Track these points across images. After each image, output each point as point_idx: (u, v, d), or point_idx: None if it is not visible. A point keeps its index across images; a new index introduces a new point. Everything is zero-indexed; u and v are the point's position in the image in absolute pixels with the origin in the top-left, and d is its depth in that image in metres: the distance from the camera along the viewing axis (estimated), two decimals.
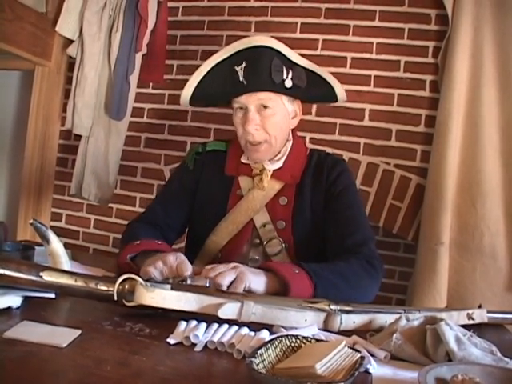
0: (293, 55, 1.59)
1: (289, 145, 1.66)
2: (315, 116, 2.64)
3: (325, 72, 1.64)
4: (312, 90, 1.62)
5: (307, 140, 2.63)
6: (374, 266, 1.46)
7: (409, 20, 2.57)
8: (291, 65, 1.57)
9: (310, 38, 2.69)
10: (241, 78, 1.52)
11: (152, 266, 1.24)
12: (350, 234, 1.54)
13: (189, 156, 1.75)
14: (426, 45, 2.55)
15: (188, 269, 1.23)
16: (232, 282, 1.18)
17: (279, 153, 1.64)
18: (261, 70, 1.51)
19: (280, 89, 1.55)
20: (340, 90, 1.65)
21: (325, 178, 1.64)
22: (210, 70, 1.60)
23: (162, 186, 1.89)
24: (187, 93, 1.62)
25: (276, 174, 1.63)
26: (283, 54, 1.56)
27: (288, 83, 1.55)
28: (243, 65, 1.52)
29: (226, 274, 1.19)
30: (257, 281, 1.22)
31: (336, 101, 1.68)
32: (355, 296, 1.32)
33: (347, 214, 1.59)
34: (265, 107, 1.54)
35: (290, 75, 1.55)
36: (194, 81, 1.61)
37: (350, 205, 1.62)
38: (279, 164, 1.64)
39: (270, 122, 1.55)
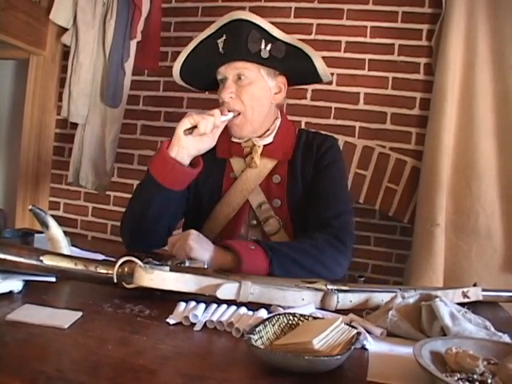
0: (273, 30, 1.59)
1: (278, 122, 1.68)
2: (310, 100, 2.66)
3: (305, 45, 1.62)
4: (290, 62, 1.61)
5: (303, 124, 2.65)
6: (342, 240, 1.47)
7: (402, 3, 2.57)
8: (272, 39, 1.58)
9: (304, 22, 2.70)
10: (220, 50, 1.56)
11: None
12: (325, 208, 1.55)
13: None
14: (420, 28, 2.56)
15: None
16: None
17: (268, 130, 1.65)
18: (238, 41, 1.54)
19: (256, 58, 1.56)
20: (320, 64, 1.63)
21: (314, 153, 1.65)
22: (196, 47, 1.64)
23: None
24: (175, 69, 1.68)
25: (267, 152, 1.63)
26: (264, 29, 1.57)
27: (264, 54, 1.56)
28: (223, 37, 1.56)
29: (174, 246, 1.32)
30: (200, 250, 1.28)
31: (320, 79, 1.67)
32: (320, 271, 1.34)
33: (327, 187, 1.60)
34: (241, 76, 1.57)
35: (268, 47, 1.57)
36: (181, 57, 1.66)
37: (333, 179, 1.63)
38: (269, 139, 1.65)
39: (246, 92, 1.57)
